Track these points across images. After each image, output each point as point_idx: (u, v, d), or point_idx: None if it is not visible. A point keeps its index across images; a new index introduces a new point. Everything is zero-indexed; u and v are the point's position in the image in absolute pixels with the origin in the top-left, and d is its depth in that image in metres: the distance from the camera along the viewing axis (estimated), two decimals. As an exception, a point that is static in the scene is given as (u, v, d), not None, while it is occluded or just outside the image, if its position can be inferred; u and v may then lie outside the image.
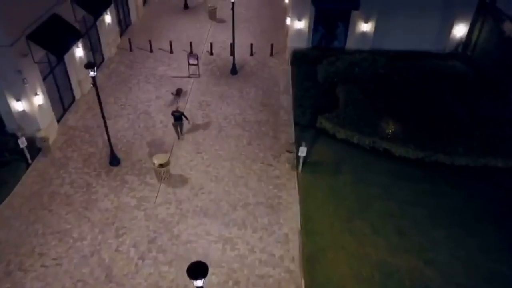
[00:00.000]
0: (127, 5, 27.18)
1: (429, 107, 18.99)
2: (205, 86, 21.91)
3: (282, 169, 16.62)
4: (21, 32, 15.28)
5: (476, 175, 16.26)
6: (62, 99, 19.08)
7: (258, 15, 29.98)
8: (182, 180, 16.03)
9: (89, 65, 13.84)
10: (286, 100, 20.92)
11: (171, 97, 20.83)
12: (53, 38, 16.62)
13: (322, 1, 21.90)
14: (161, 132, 18.55)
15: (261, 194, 15.49)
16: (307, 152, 16.03)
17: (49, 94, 17.75)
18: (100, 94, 20.73)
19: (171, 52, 24.71)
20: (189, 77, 22.51)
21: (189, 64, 22.31)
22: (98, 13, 20.39)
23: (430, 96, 19.77)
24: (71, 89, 19.88)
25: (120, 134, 18.31)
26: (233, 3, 20.59)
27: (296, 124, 18.99)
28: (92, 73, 13.93)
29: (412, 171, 16.35)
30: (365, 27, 23.12)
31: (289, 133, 18.65)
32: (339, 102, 19.59)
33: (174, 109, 17.65)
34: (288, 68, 23.47)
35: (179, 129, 17.88)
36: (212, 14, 29.10)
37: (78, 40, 18.59)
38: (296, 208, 14.89)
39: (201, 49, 25.29)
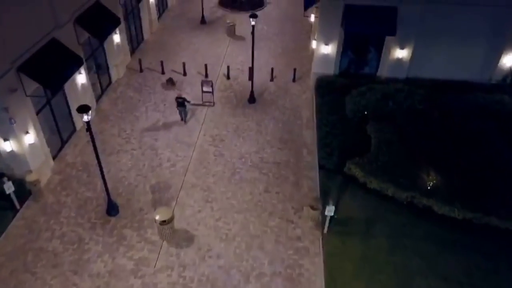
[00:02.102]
0: (139, 20, 25.25)
1: (478, 154, 16.38)
2: (219, 117, 19.74)
3: (304, 227, 14.29)
4: (10, 65, 13.39)
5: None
6: (60, 131, 17.17)
7: (280, 31, 27.69)
8: (188, 238, 13.87)
9: (82, 109, 11.80)
10: (309, 137, 18.57)
11: (181, 129, 18.76)
12: (49, 68, 14.71)
13: (354, 25, 19.45)
14: (167, 173, 16.44)
15: (279, 260, 13.19)
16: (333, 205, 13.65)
17: (44, 127, 15.93)
18: (104, 123, 19.08)
19: (185, 74, 22.64)
20: (202, 105, 20.39)
21: (203, 91, 20.19)
22: (104, 36, 18.43)
23: (478, 140, 17.12)
24: (72, 119, 17.97)
25: (122, 175, 16.27)
26: (253, 26, 18.38)
27: (321, 167, 16.64)
28: (86, 118, 11.90)
29: (459, 237, 13.78)
30: (401, 53, 20.57)
31: (312, 179, 16.31)
32: (371, 143, 17.19)
33: (177, 95, 19.01)
34: (312, 97, 21.12)
35: (183, 114, 19.01)
36: (231, 31, 26.96)
37: (79, 67, 16.66)
38: (320, 283, 12.52)
39: (217, 71, 23.16)
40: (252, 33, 18.66)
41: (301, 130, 18.98)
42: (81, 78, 17.77)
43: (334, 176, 16.15)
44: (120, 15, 21.43)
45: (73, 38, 16.97)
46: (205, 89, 20.11)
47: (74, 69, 16.11)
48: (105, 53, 20.68)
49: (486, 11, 19.07)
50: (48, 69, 14.59)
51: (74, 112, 17.88)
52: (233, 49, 25.60)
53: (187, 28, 27.95)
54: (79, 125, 18.36)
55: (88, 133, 12.32)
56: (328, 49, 20.83)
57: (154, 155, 17.31)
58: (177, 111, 19.07)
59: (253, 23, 18.20)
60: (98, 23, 18.21)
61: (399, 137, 17.32)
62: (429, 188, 15.09)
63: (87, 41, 18.48)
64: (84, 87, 18.09)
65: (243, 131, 18.87)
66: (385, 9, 19.37)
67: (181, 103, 18.63)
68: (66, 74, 15.43)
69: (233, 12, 30.31)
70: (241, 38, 26.64)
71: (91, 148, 17.35)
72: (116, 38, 21.23)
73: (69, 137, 17.87)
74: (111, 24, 19.34)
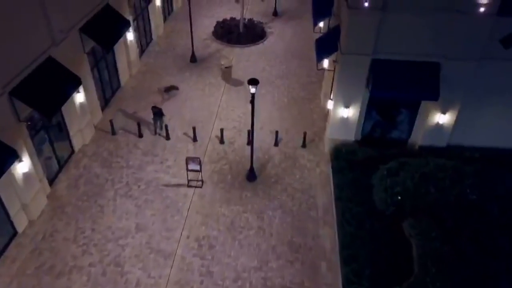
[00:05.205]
0: (114, 64, 20.66)
1: None
2: (209, 205, 15.19)
3: None
4: None
5: None
6: (-10, 243, 12.65)
7: (285, 73, 23.11)
8: None
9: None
10: (328, 240, 14.02)
11: (157, 227, 14.23)
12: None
13: (384, 88, 14.87)
14: (135, 308, 11.91)
15: None
16: None
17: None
18: (57, 220, 14.32)
19: (168, 138, 18.10)
20: (188, 186, 15.86)
21: (188, 170, 15.66)
22: (54, 110, 13.82)
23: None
24: (10, 220, 13.38)
25: (71, 314, 11.75)
26: (253, 95, 13.81)
27: (346, 296, 12.11)
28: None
29: None
30: (442, 118, 16.06)
31: (336, 317, 11.78)
32: (412, 255, 12.68)
33: (153, 105, 18.50)
34: (328, 171, 16.59)
35: (158, 124, 18.15)
36: (226, 74, 22.43)
37: (15, 160, 12.16)
38: None
39: (209, 132, 18.62)
40: (252, 102, 14.08)
41: (317, 229, 14.41)
42: (21, 167, 13.20)
43: (366, 313, 11.63)
44: (85, 67, 16.94)
45: (7, 118, 12.45)
46: (191, 167, 15.57)
47: (5, 166, 11.58)
48: (64, 119, 16.13)
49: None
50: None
51: (12, 213, 13.36)
52: (229, 98, 21.06)
53: (174, 68, 23.38)
54: (21, 227, 13.80)
55: None
56: (348, 113, 16.31)
57: (118, 275, 12.72)
58: (153, 129, 18.31)
59: (253, 90, 13.63)
60: (48, 91, 13.66)
61: (451, 247, 12.78)
62: None
63: (33, 115, 13.93)
64: (26, 178, 13.48)
65: (240, 230, 14.30)
66: (425, 65, 14.87)
67: (157, 112, 17.94)
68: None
69: (229, 46, 25.79)
70: (239, 83, 22.09)
71: (33, 263, 13.08)
72: (80, 97, 16.69)
73: (5, 247, 13.27)
74: (67, 87, 14.80)
